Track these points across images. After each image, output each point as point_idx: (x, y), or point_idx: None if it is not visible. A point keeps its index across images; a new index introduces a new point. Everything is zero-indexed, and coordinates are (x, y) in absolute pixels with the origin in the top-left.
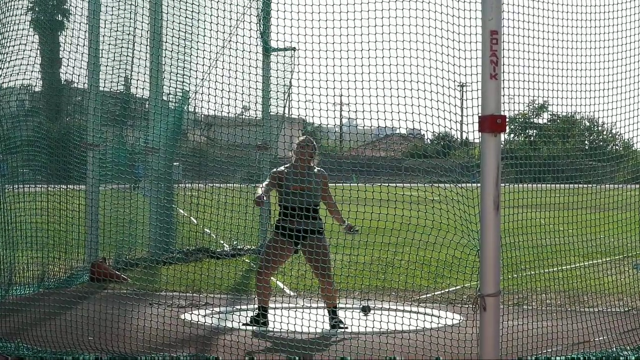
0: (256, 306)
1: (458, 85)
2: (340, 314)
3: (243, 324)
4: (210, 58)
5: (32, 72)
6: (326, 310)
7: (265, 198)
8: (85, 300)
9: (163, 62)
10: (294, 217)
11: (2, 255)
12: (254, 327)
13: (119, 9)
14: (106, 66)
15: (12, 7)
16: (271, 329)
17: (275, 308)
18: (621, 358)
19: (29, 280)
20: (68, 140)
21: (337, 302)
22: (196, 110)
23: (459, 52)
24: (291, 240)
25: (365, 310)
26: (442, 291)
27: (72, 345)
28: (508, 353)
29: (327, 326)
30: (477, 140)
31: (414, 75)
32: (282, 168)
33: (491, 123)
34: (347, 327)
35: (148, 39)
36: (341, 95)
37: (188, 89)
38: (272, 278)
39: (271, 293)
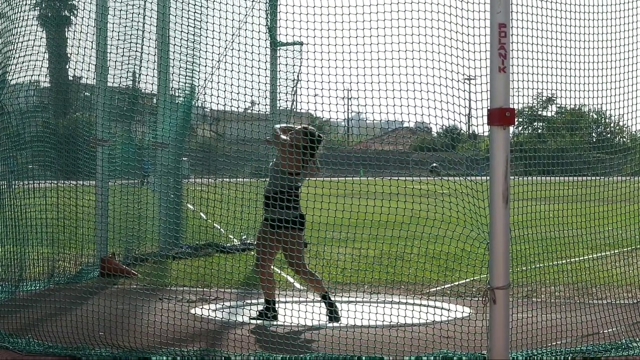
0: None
1: (465, 79)
2: (347, 307)
3: (251, 318)
4: (217, 53)
5: (40, 68)
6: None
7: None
8: (95, 295)
9: (171, 57)
10: (270, 204)
11: (12, 251)
12: (264, 321)
13: (126, 4)
14: (114, 62)
15: (21, 3)
16: (281, 323)
17: (285, 302)
18: (631, 349)
19: (38, 276)
20: (77, 136)
21: (322, 288)
22: (204, 105)
23: (467, 45)
24: (272, 230)
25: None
26: (452, 284)
27: (83, 341)
28: (518, 345)
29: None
30: (485, 134)
31: (422, 69)
32: None
33: (500, 116)
34: (339, 320)
35: (156, 34)
36: (350, 90)
37: (196, 84)
38: (275, 269)
39: (275, 286)
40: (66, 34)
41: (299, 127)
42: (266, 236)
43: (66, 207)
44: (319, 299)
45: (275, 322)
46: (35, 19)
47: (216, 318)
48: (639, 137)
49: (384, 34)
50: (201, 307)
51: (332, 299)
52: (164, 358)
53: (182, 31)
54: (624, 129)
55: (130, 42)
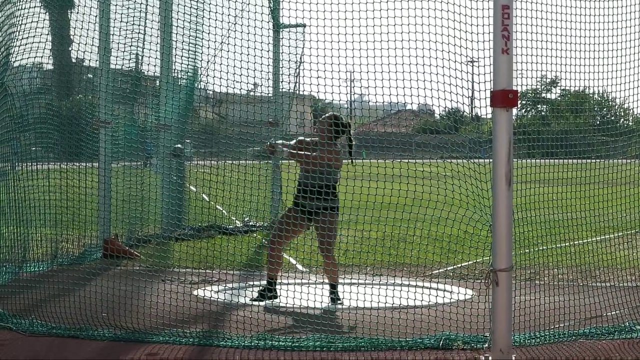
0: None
1: (469, 61)
2: (350, 288)
3: (252, 300)
4: (220, 35)
5: (43, 50)
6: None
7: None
8: (98, 276)
9: (174, 39)
10: (313, 194)
11: (16, 232)
12: (264, 302)
13: None
14: (117, 44)
15: None
16: (283, 305)
17: (287, 284)
18: (634, 332)
19: (42, 257)
20: (80, 118)
21: (337, 278)
22: (207, 87)
23: (470, 27)
24: (304, 216)
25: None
26: (454, 266)
27: (85, 322)
28: (520, 328)
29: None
30: (488, 116)
31: (425, 51)
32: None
33: (503, 98)
34: (342, 303)
35: (159, 16)
36: (352, 72)
37: (199, 66)
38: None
39: (282, 266)
40: (69, 16)
41: (324, 116)
42: (289, 220)
43: (69, 188)
44: (325, 281)
45: (274, 301)
46: (38, 0)
47: (218, 300)
48: None
49: (387, 15)
50: (203, 288)
51: (337, 290)
52: (167, 339)
53: (184, 13)
54: (628, 111)
55: (133, 24)
